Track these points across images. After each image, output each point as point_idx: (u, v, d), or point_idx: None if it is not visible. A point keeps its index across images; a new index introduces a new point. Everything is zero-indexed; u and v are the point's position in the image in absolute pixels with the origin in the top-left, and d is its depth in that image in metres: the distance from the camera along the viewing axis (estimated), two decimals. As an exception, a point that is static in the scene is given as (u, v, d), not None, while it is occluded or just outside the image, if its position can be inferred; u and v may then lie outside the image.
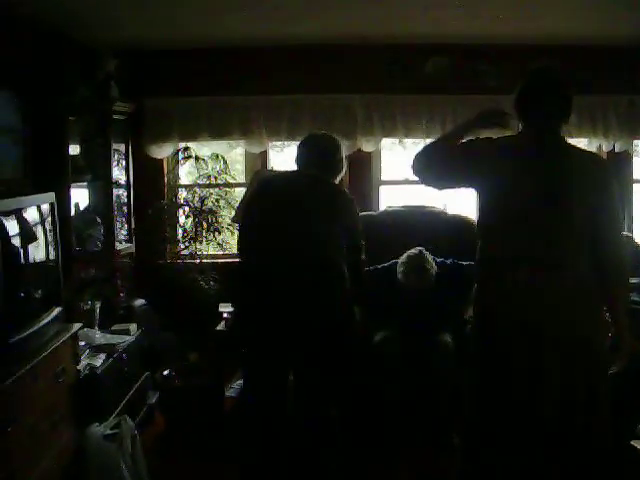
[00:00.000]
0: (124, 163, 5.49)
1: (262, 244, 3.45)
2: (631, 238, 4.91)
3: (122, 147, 5.49)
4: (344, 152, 5.64)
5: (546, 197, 2.70)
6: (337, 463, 3.62)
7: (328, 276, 3.37)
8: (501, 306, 2.74)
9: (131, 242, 5.49)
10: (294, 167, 3.82)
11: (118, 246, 5.22)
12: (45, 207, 3.64)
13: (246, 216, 3.70)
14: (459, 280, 4.25)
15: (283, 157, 5.93)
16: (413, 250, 4.51)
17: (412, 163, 2.93)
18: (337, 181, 3.81)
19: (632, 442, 3.27)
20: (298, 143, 3.89)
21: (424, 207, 5.56)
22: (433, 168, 2.90)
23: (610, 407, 2.76)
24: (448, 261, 4.62)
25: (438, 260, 4.56)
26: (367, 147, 5.89)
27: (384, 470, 4.06)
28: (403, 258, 4.51)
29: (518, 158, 2.78)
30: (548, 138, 2.80)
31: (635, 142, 6.03)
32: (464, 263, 4.44)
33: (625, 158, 5.97)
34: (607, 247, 2.75)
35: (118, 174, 5.37)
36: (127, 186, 5.49)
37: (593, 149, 5.61)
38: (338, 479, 3.62)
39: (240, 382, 4.56)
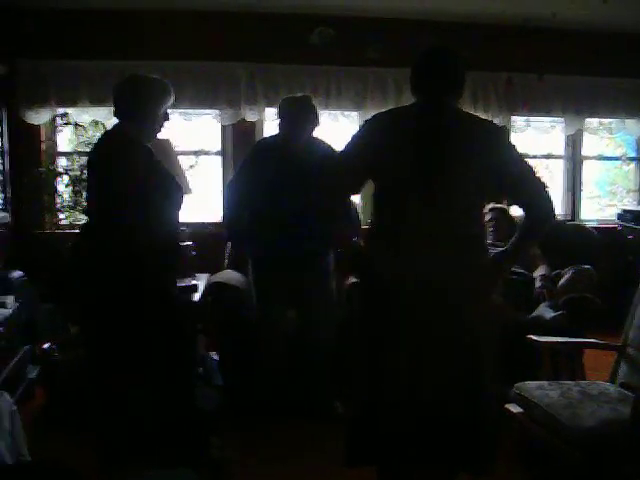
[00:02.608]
0: (-2, 129, 5.28)
1: None
2: (507, 210, 5.09)
3: (-5, 111, 5.27)
4: (227, 121, 5.73)
5: (432, 165, 2.72)
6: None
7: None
8: (392, 275, 2.77)
9: (7, 211, 5.28)
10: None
11: (-7, 215, 5.02)
12: None
13: None
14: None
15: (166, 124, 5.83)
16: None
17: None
18: None
19: (506, 406, 3.43)
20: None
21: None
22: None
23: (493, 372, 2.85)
24: None
25: None
26: (250, 116, 5.88)
27: (263, 441, 4.04)
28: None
29: (405, 129, 2.80)
30: (438, 108, 2.82)
31: (512, 118, 6.26)
32: None
33: (504, 134, 6.19)
34: (531, 199, 2.81)
35: (-8, 140, 5.16)
36: (1, 153, 5.27)
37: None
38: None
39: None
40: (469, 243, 2.77)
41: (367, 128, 2.89)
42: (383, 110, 3.09)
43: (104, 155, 3.21)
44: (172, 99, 3.28)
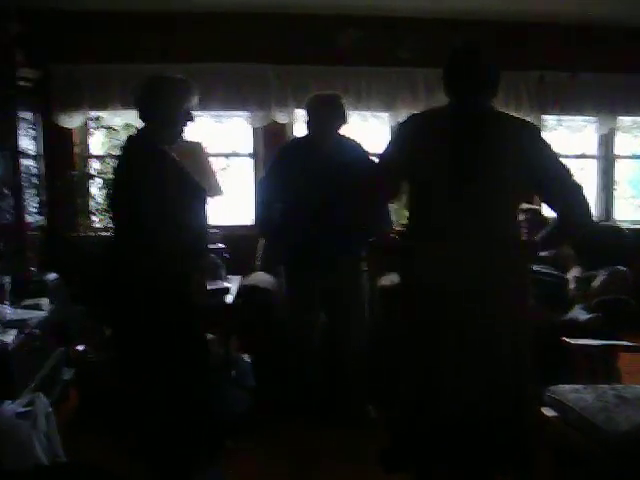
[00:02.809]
0: (33, 133, 5.33)
1: None
2: (540, 211, 5.04)
3: (30, 116, 5.31)
4: (258, 123, 5.74)
5: (467, 166, 2.71)
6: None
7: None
8: (429, 277, 2.76)
9: (42, 214, 5.34)
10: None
11: (28, 218, 5.07)
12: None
13: None
14: None
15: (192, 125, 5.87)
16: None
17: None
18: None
19: (542, 409, 3.40)
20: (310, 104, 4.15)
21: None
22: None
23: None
24: None
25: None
26: (281, 118, 5.89)
27: (281, 442, 4.05)
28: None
29: (440, 130, 2.79)
30: (471, 108, 2.81)
31: (544, 117, 6.19)
32: None
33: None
34: (566, 203, 2.79)
35: (27, 144, 5.21)
36: (37, 156, 5.33)
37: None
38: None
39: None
40: (506, 243, 2.76)
41: (402, 131, 2.90)
42: (417, 112, 3.09)
43: (124, 160, 3.23)
44: (196, 98, 3.21)
